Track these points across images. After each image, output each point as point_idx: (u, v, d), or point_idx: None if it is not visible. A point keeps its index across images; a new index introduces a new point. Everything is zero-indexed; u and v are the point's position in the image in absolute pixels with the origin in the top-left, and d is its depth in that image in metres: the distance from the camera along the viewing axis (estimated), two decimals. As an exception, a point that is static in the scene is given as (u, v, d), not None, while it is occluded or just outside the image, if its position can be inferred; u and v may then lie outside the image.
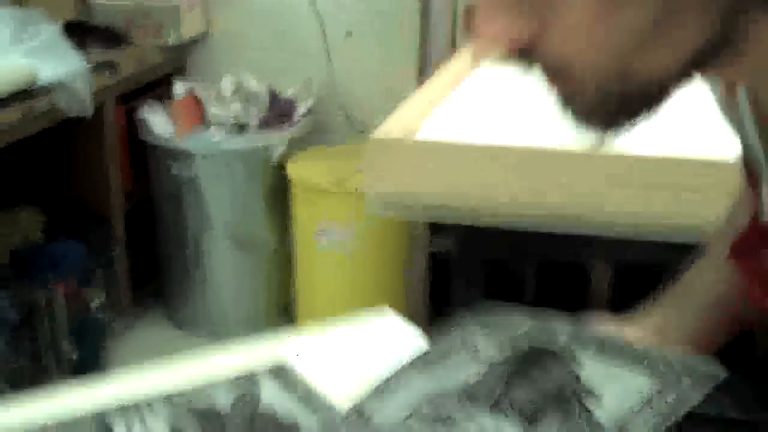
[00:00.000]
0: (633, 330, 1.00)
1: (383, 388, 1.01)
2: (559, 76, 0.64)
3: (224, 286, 3.19)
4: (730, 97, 0.80)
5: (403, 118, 1.89)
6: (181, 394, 1.19)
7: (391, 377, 1.03)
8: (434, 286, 2.91)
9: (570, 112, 0.66)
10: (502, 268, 2.72)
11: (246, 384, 1.21)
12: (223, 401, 1.18)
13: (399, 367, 1.04)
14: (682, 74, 0.64)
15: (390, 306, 1.41)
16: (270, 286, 3.21)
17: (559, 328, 0.98)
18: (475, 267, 2.17)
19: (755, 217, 0.85)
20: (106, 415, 1.14)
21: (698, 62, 0.64)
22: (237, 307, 3.21)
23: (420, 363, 1.03)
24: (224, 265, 3.15)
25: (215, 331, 3.16)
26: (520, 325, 1.00)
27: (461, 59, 2.37)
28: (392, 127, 1.85)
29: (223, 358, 1.30)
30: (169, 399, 1.18)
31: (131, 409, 1.15)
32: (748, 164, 0.86)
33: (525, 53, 0.63)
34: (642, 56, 0.60)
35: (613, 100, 0.63)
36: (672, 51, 0.61)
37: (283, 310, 3.24)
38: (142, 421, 1.13)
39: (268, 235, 3.15)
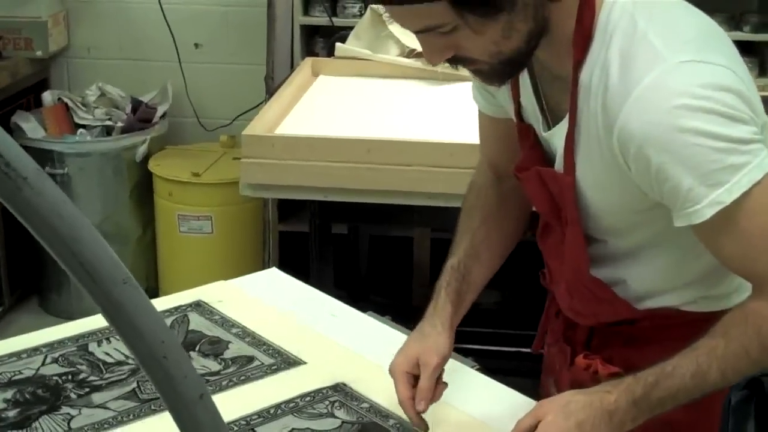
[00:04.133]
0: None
1: (266, 414, 1.39)
2: (471, 64, 1.23)
3: (94, 273, 3.55)
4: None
5: (265, 119, 2.36)
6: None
7: (271, 409, 1.40)
8: (286, 262, 3.38)
9: (481, 79, 1.28)
10: (344, 243, 3.22)
11: (177, 314, 1.67)
12: (163, 325, 1.63)
13: (276, 404, 1.40)
14: (527, 49, 1.20)
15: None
16: (137, 272, 3.60)
17: (391, 417, 1.40)
18: (326, 244, 2.66)
19: (528, 153, 1.37)
20: (81, 337, 1.58)
21: (532, 41, 1.20)
22: (106, 292, 3.57)
23: (292, 405, 1.42)
24: (94, 254, 3.52)
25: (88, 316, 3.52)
26: (364, 402, 1.42)
27: (303, 70, 2.86)
28: (257, 126, 2.32)
29: (157, 302, 1.75)
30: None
31: (98, 333, 1.59)
32: (523, 120, 1.37)
33: (453, 60, 1.21)
34: (503, 47, 1.18)
35: (498, 69, 1.22)
36: (516, 40, 1.18)
37: (149, 294, 3.63)
38: (108, 340, 1.57)
39: (133, 225, 3.55)
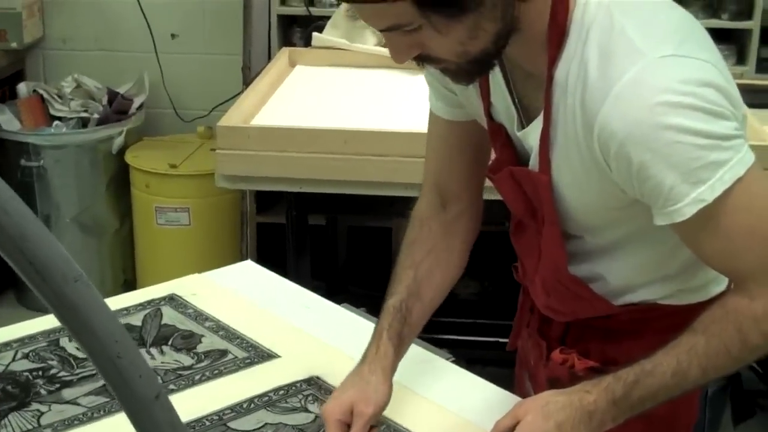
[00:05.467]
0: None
1: (239, 409, 1.39)
2: (437, 63, 1.20)
3: (71, 266, 3.52)
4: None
5: (242, 110, 2.34)
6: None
7: (244, 404, 1.39)
8: (263, 253, 3.37)
9: (449, 78, 1.24)
10: (322, 234, 3.21)
11: (150, 308, 1.66)
12: (135, 319, 1.62)
13: (249, 399, 1.40)
14: (495, 49, 1.18)
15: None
16: (114, 264, 3.58)
17: None
18: (303, 235, 2.64)
19: (500, 153, 1.35)
20: (52, 332, 1.56)
21: (500, 41, 1.18)
22: (83, 285, 3.55)
23: (266, 400, 1.41)
24: (71, 247, 3.49)
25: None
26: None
27: (280, 60, 2.84)
28: (233, 117, 2.30)
29: (130, 296, 1.73)
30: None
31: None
32: (494, 120, 1.35)
33: (421, 58, 1.18)
34: (470, 47, 1.16)
35: (465, 68, 1.19)
36: (483, 40, 1.16)
37: (127, 286, 3.61)
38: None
39: (110, 217, 3.52)
